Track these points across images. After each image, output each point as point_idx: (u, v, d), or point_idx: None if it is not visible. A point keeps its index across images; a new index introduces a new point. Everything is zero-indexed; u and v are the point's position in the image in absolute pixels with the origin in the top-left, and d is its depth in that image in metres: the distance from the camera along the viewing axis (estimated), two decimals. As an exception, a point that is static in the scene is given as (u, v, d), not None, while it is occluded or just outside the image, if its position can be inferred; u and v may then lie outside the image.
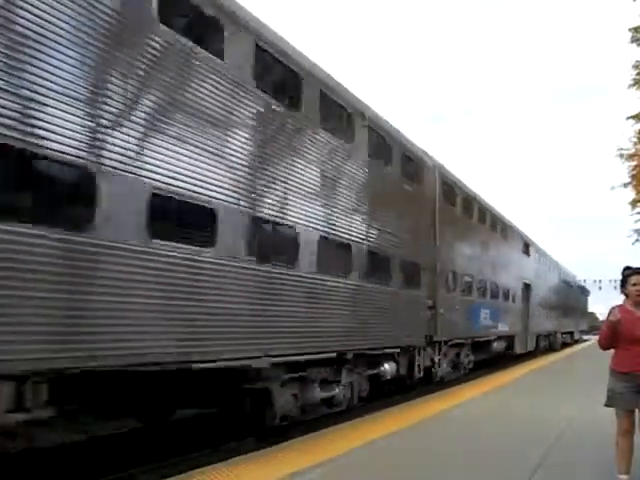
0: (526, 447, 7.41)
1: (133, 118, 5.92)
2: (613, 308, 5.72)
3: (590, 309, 60.90)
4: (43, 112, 5.06)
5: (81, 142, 5.35)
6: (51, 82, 5.15)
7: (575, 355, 28.41)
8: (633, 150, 22.78)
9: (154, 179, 6.09)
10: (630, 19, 32.44)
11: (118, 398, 7.33)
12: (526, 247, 25.43)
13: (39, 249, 4.95)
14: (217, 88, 7.08)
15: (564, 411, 10.17)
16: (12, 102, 4.85)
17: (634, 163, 22.80)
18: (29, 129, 4.95)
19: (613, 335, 5.61)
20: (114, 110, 5.69)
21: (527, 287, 24.62)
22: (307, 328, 8.70)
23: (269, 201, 7.94)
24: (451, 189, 15.91)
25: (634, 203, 23.75)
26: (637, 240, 24.71)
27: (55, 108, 5.15)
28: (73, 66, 5.36)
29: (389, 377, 11.60)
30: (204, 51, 6.92)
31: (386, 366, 11.44)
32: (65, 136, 5.21)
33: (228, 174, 7.19)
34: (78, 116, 5.33)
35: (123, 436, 7.42)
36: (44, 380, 5.31)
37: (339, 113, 10.11)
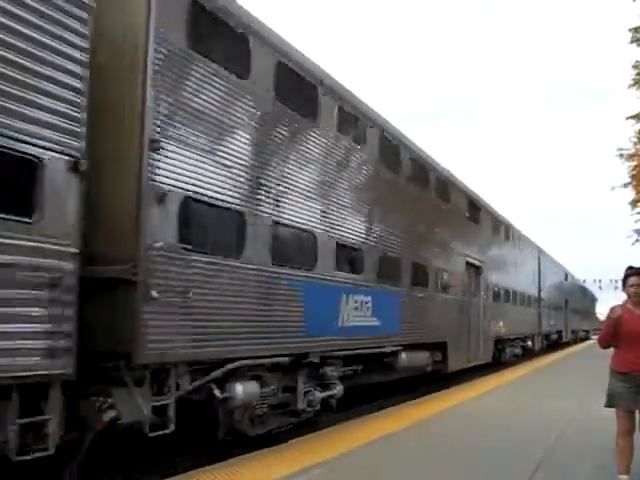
0: (526, 447, 7.40)
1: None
2: (613, 307, 5.78)
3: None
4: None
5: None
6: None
7: (575, 355, 30.43)
8: (633, 150, 23.09)
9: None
10: (630, 19, 32.70)
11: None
12: (565, 275, 40.74)
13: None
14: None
15: (564, 411, 10.25)
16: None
17: (634, 163, 23.12)
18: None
19: (614, 333, 5.63)
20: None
21: (566, 301, 38.97)
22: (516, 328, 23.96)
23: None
24: (545, 257, 31.22)
25: (634, 203, 24.26)
26: (637, 240, 25.30)
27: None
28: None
29: (529, 347, 26.90)
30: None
31: (529, 342, 26.74)
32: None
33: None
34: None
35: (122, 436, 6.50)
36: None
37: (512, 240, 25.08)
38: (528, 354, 26.12)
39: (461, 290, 16.22)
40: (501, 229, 21.46)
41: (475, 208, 18.08)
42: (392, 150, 12.14)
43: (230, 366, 7.06)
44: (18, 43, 4.75)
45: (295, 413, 8.90)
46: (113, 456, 6.50)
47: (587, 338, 54.20)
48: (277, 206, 8.00)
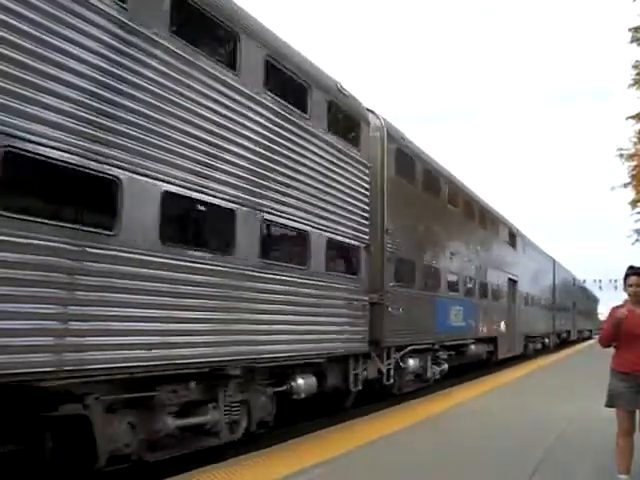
0: (526, 447, 7.44)
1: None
2: (615, 307, 5.82)
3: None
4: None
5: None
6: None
7: (574, 355, 31.19)
8: (633, 150, 23.04)
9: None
10: (630, 19, 32.79)
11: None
12: (574, 280, 46.48)
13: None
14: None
15: (564, 411, 10.34)
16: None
17: (634, 163, 23.08)
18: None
19: (616, 333, 5.63)
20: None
21: (574, 304, 45.36)
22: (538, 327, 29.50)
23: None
24: (558, 265, 36.78)
25: (634, 203, 24.21)
26: (637, 240, 25.25)
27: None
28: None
29: (547, 344, 32.39)
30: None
31: (546, 339, 32.25)
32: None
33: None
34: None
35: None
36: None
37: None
38: (542, 350, 31.62)
39: (505, 299, 21.67)
40: (528, 248, 26.95)
41: (512, 236, 23.58)
42: (470, 206, 17.67)
43: (409, 348, 12.49)
44: (348, 192, 10.18)
45: (423, 380, 14.30)
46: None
47: (590, 337, 58.19)
48: (427, 255, 13.49)
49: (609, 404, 5.78)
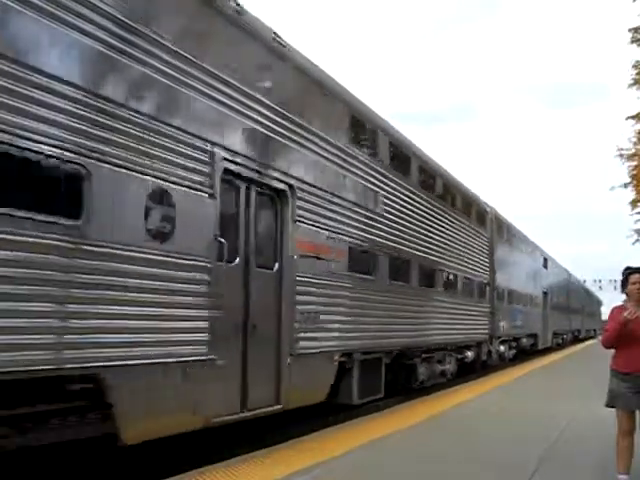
0: (526, 447, 7.48)
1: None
2: (615, 308, 5.84)
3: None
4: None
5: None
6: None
7: (574, 355, 32.11)
8: (633, 150, 23.34)
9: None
10: (630, 19, 33.30)
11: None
12: (581, 286, 55.16)
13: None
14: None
15: (564, 411, 10.40)
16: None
17: (634, 163, 23.37)
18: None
19: (623, 334, 5.57)
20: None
21: (582, 307, 54.01)
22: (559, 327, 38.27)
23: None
24: (571, 276, 45.62)
25: (634, 203, 24.48)
26: (637, 240, 25.61)
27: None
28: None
29: (565, 339, 41.32)
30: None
31: (564, 336, 41.08)
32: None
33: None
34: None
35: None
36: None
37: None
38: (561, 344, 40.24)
39: (541, 306, 30.53)
40: (553, 266, 35.82)
41: (545, 259, 32.45)
42: (525, 245, 26.62)
43: (501, 339, 21.30)
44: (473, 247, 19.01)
45: (503, 359, 23.04)
46: (114, 458, 6.37)
47: (594, 336, 61.73)
48: (509, 281, 22.40)
49: (609, 404, 5.81)
